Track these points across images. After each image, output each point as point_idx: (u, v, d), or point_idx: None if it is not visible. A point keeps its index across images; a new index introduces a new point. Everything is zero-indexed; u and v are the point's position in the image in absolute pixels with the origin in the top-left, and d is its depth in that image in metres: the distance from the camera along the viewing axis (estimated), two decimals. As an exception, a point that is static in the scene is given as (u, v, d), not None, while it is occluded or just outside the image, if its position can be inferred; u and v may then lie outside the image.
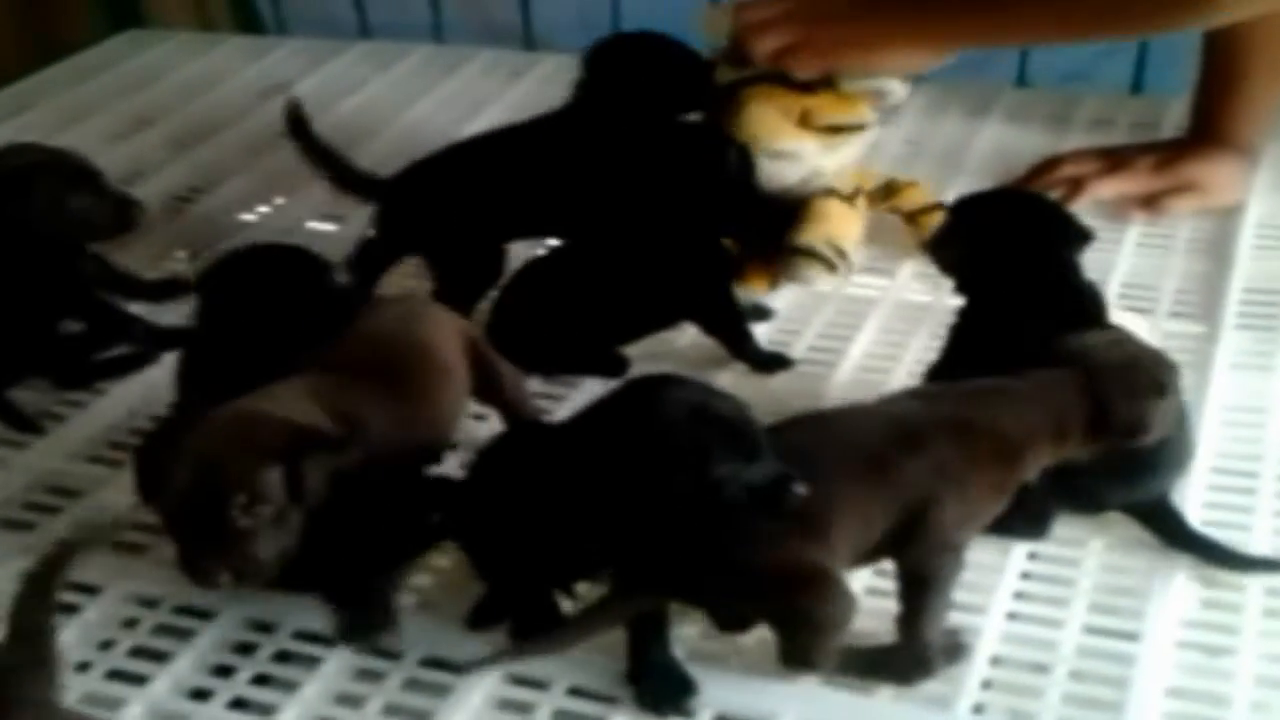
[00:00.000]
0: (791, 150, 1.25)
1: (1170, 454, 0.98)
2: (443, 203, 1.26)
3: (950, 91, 1.63)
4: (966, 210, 1.10)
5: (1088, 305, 1.04)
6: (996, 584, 0.97)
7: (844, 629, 0.87)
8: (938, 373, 1.05)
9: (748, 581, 0.85)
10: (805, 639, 0.87)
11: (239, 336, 1.02)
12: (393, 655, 0.93)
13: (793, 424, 0.90)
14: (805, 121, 1.25)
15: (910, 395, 0.94)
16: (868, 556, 0.89)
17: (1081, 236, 1.07)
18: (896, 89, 1.27)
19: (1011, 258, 1.04)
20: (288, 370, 0.96)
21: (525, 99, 1.72)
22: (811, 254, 1.24)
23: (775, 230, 1.24)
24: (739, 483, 0.81)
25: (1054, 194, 1.38)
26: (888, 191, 1.33)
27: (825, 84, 1.25)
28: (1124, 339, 0.94)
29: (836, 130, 1.26)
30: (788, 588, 0.85)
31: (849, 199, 1.28)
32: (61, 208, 1.18)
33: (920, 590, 0.88)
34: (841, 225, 1.25)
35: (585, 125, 1.27)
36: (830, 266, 1.24)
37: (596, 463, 0.83)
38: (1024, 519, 0.97)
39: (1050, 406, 0.88)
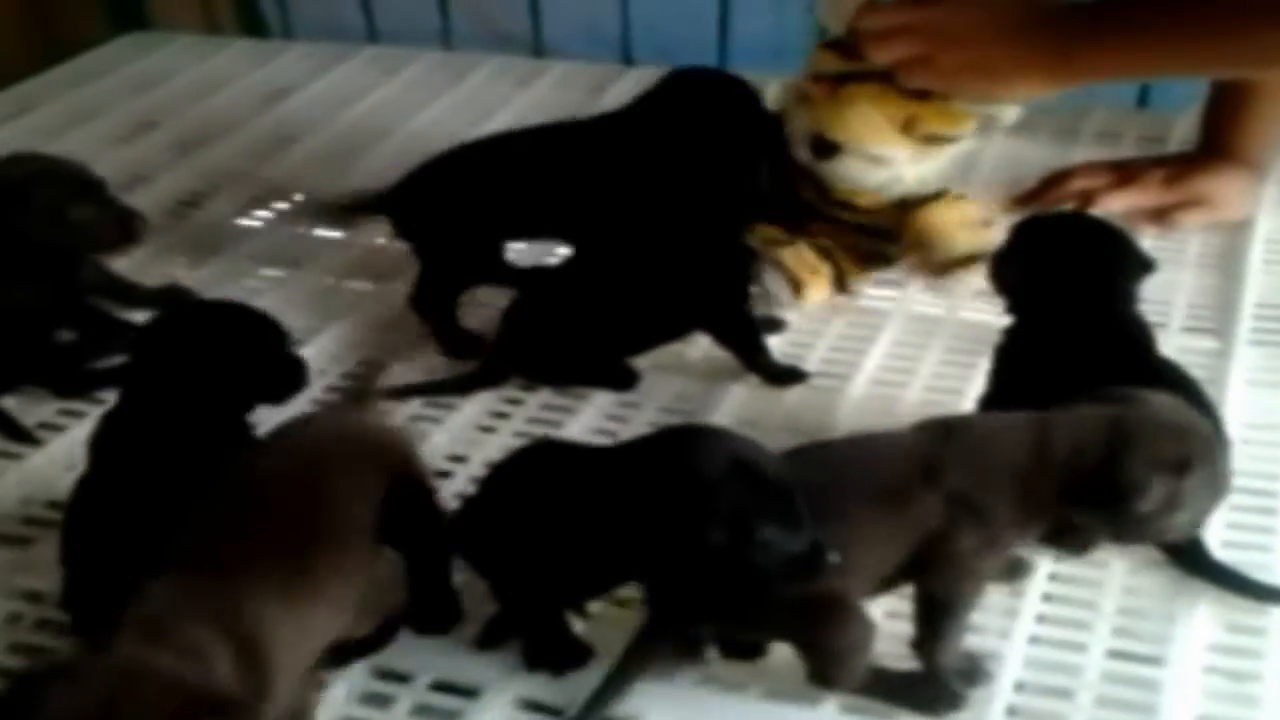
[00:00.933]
0: (886, 156, 1.20)
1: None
2: (449, 201, 1.22)
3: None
4: (1028, 231, 1.05)
5: (1136, 336, 1.00)
6: (1019, 607, 0.93)
7: (865, 653, 0.83)
8: (990, 403, 1.00)
9: (767, 610, 0.82)
10: (825, 664, 0.84)
11: (173, 401, 0.91)
12: (402, 678, 0.88)
13: (808, 451, 0.86)
14: (907, 128, 1.19)
15: (933, 425, 0.88)
16: (887, 584, 0.85)
17: (1142, 266, 1.02)
18: (1009, 113, 1.21)
19: (1067, 283, 1.00)
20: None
21: (533, 106, 1.67)
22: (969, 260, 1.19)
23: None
24: (777, 551, 0.76)
25: (1064, 207, 1.35)
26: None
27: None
28: (1180, 407, 0.87)
29: (932, 140, 1.20)
30: (806, 618, 0.82)
31: (954, 200, 1.24)
32: (62, 218, 1.13)
33: (937, 614, 0.85)
34: (974, 228, 1.22)
35: (613, 130, 1.22)
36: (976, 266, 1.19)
37: (630, 508, 0.78)
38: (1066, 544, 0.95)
39: (1067, 442, 0.83)
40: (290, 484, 0.80)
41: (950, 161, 1.26)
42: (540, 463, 0.87)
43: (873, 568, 0.83)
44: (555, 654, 0.87)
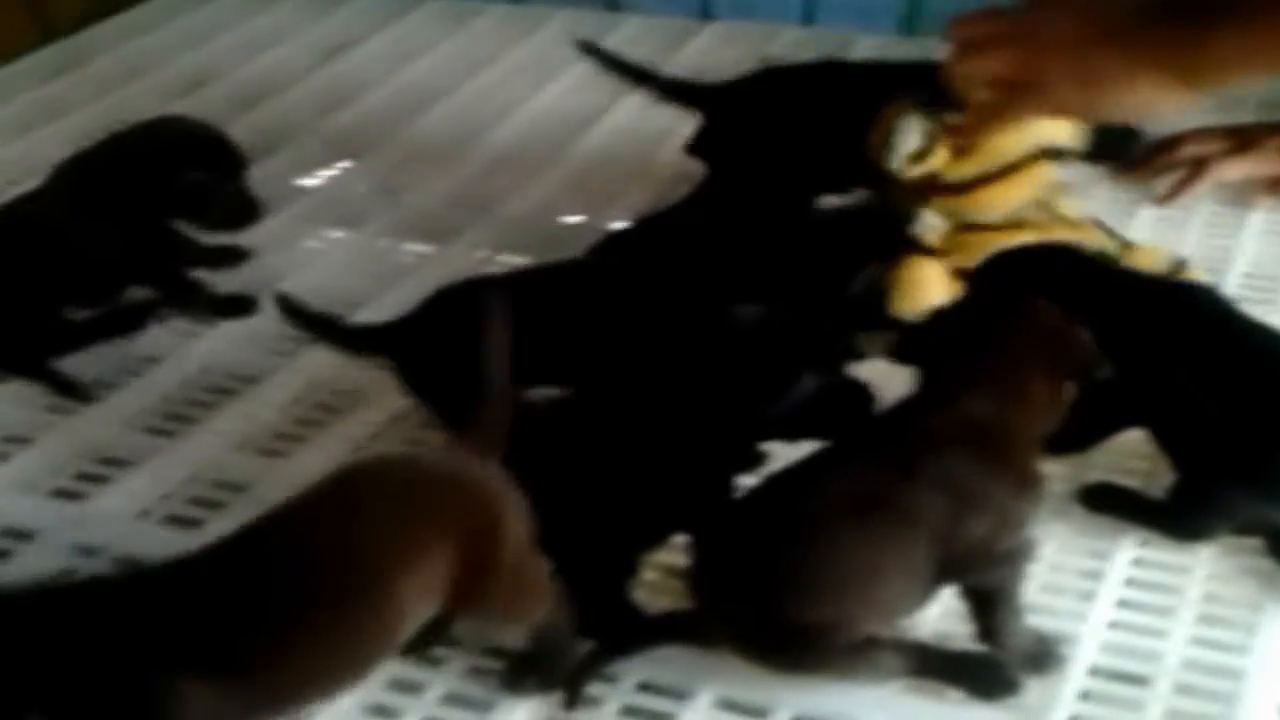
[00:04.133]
0: None
1: None
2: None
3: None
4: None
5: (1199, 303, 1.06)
6: (1098, 591, 0.98)
7: (898, 673, 0.89)
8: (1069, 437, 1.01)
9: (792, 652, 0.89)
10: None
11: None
12: (435, 662, 0.94)
13: (777, 482, 0.92)
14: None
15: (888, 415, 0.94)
16: (926, 593, 0.90)
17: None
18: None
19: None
20: None
21: (605, 63, 1.74)
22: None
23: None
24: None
25: (1175, 175, 1.38)
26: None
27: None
28: None
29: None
30: (830, 665, 0.88)
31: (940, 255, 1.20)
32: (206, 192, 1.24)
33: (988, 607, 0.90)
34: (935, 290, 1.16)
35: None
36: None
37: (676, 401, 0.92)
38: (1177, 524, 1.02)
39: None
40: (325, 532, 0.80)
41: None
42: (559, 414, 0.95)
43: (879, 586, 0.87)
44: (609, 623, 0.93)
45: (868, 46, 1.74)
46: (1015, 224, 1.17)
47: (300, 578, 0.78)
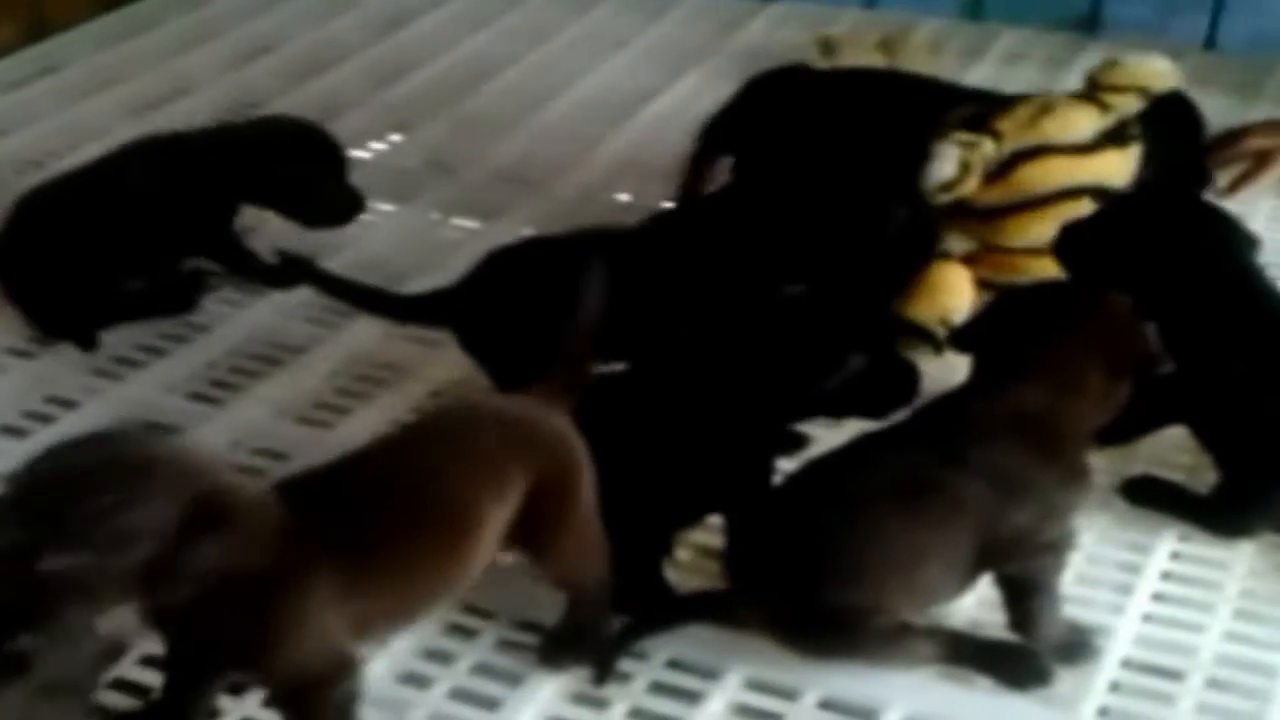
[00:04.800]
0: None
1: None
2: None
3: (1132, 50, 1.61)
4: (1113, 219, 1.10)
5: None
6: (1135, 584, 0.99)
7: (931, 660, 0.91)
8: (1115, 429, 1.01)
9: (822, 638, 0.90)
10: None
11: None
12: (467, 633, 0.96)
13: (819, 466, 0.93)
14: None
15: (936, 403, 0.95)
16: (966, 581, 0.91)
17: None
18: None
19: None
20: None
21: (660, 43, 1.76)
22: (922, 334, 1.19)
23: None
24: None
25: (1237, 168, 1.38)
26: None
27: None
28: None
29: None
30: (863, 650, 0.90)
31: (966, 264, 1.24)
32: (311, 188, 1.29)
33: (1025, 596, 0.91)
34: (957, 295, 1.21)
35: None
36: (938, 348, 1.18)
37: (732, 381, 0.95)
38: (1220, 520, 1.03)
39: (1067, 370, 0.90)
40: (410, 465, 0.86)
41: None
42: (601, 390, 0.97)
43: (921, 572, 0.88)
44: (642, 599, 0.95)
45: (930, 29, 1.75)
46: (1041, 251, 1.17)
47: (404, 498, 0.83)
